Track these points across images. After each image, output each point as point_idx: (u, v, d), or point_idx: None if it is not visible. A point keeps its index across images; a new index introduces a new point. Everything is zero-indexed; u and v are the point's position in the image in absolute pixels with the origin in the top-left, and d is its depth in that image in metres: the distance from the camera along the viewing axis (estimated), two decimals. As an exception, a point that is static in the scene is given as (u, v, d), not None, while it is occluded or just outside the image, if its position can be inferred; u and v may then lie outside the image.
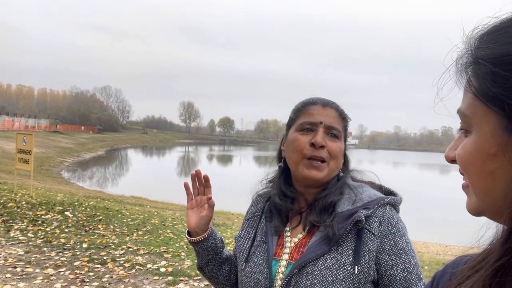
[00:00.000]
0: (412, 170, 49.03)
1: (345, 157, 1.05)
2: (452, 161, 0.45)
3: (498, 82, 0.36)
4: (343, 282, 0.84)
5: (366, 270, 0.86)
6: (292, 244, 0.95)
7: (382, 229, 0.89)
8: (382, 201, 0.91)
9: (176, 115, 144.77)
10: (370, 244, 0.87)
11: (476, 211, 0.42)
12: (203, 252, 1.11)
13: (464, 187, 0.44)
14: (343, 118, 1.03)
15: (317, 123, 0.96)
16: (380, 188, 1.02)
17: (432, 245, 10.65)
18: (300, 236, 0.96)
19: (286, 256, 0.94)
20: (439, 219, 16.25)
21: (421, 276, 0.88)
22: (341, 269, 0.86)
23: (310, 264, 0.87)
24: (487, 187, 0.39)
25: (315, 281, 0.86)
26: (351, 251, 0.87)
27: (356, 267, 0.85)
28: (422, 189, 25.75)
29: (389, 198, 0.93)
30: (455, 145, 0.45)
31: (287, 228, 0.99)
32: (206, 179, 1.12)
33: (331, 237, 0.88)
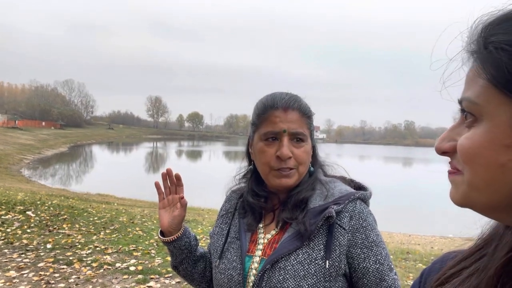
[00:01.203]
0: (378, 163, 50.65)
1: (315, 151, 1.04)
2: (444, 152, 0.43)
3: None
4: (314, 276, 0.87)
5: (337, 264, 0.88)
6: (266, 241, 0.97)
7: (352, 223, 0.90)
8: (352, 196, 0.93)
9: (144, 110, 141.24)
10: (341, 239, 0.89)
11: (464, 202, 0.41)
12: (176, 251, 1.11)
13: (452, 175, 0.42)
14: (308, 116, 1.00)
15: (280, 132, 0.95)
16: (350, 182, 1.05)
17: (396, 235, 11.09)
18: (273, 232, 0.97)
19: (259, 253, 0.95)
20: (403, 209, 16.91)
21: (392, 266, 0.92)
22: (313, 264, 0.87)
23: (283, 259, 0.89)
24: (494, 180, 0.37)
25: (287, 276, 0.87)
26: (322, 246, 0.88)
27: (327, 261, 0.87)
28: (386, 181, 26.67)
29: (360, 193, 0.95)
30: (450, 136, 0.43)
31: (261, 225, 1.00)
32: (178, 177, 1.12)
33: (303, 233, 0.89)
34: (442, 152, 0.43)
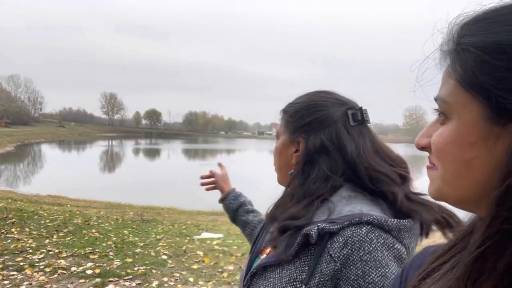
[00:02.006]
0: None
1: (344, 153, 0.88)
2: (423, 148, 0.45)
3: (486, 70, 0.36)
4: None
5: None
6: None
7: (345, 252, 0.72)
8: (357, 218, 0.74)
9: (97, 107, 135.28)
10: (324, 267, 0.74)
11: (439, 196, 0.43)
12: (225, 210, 1.46)
13: (429, 170, 0.44)
14: (284, 113, 0.97)
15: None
16: (393, 201, 0.81)
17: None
18: None
19: (264, 255, 0.92)
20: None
21: None
22: (290, 284, 0.76)
23: (270, 268, 0.82)
24: (460, 175, 0.39)
25: (266, 287, 0.81)
26: (307, 268, 0.76)
27: (304, 286, 0.75)
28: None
29: (370, 216, 0.74)
30: (428, 132, 0.44)
31: None
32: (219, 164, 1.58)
33: (286, 247, 0.79)
34: (421, 148, 0.45)
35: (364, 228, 0.73)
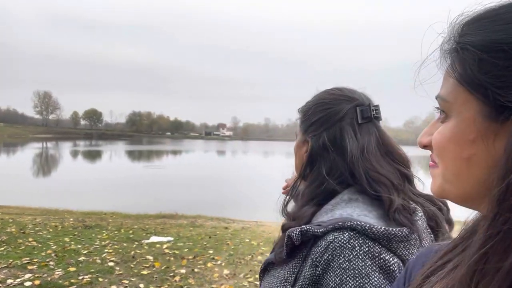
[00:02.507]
0: (280, 159, 53.29)
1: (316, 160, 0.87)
2: (425, 146, 0.45)
3: (485, 69, 0.36)
4: None
5: None
6: None
7: (326, 257, 0.70)
8: (340, 223, 0.71)
9: (30, 106, 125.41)
10: (306, 270, 0.72)
11: (441, 194, 0.44)
12: None
13: (431, 168, 0.45)
14: (299, 113, 0.96)
15: None
16: (389, 208, 0.76)
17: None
18: None
19: None
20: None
21: None
22: (282, 284, 0.76)
23: (274, 266, 0.82)
24: (460, 173, 0.40)
25: (265, 284, 0.82)
26: (297, 270, 0.75)
27: (290, 287, 0.75)
28: (289, 175, 28.19)
29: (353, 222, 0.71)
30: (430, 131, 0.45)
31: None
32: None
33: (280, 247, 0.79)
34: (423, 146, 0.45)
35: (346, 233, 0.70)
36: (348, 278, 0.67)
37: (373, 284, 0.66)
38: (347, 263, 0.68)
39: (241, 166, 35.99)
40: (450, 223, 0.83)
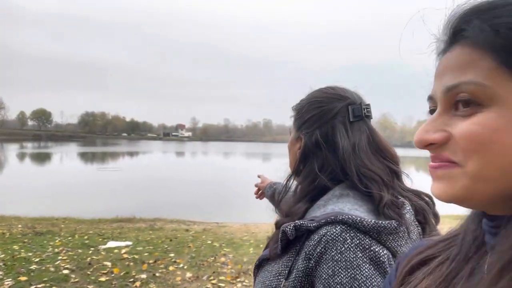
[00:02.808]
0: (241, 159, 53.38)
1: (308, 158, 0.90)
2: (430, 144, 0.40)
3: None
4: None
5: None
6: None
7: (319, 250, 0.73)
8: (332, 217, 0.74)
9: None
10: (300, 263, 0.75)
11: (462, 197, 0.38)
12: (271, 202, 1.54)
13: (444, 168, 0.39)
14: (293, 110, 0.99)
15: None
16: (379, 203, 0.80)
17: (261, 225, 11.92)
18: None
19: None
20: (267, 201, 18.21)
21: None
22: (275, 278, 0.79)
23: (268, 261, 0.84)
24: (508, 167, 0.36)
25: (260, 279, 0.84)
26: (290, 263, 0.77)
27: (284, 281, 0.77)
28: (249, 175, 28.30)
29: (344, 216, 0.74)
30: (434, 127, 0.40)
31: None
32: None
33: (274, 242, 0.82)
34: (428, 144, 0.41)
35: (338, 227, 0.73)
36: (340, 269, 0.70)
37: (364, 274, 0.69)
38: (339, 255, 0.71)
39: (201, 167, 35.59)
40: (436, 216, 0.87)
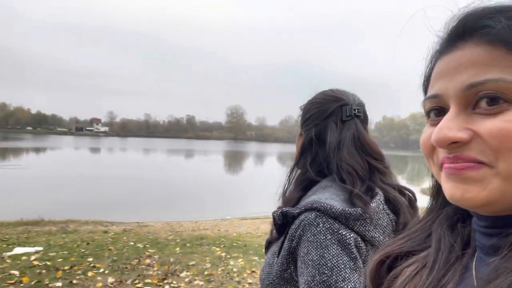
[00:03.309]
0: (162, 156, 51.74)
1: (314, 147, 1.02)
2: (452, 143, 0.38)
3: None
4: (268, 267, 0.93)
5: (281, 265, 0.89)
6: None
7: (299, 233, 0.86)
8: (309, 205, 0.87)
9: None
10: (286, 244, 0.89)
11: (493, 200, 0.37)
12: None
13: (472, 170, 0.37)
14: (301, 113, 1.08)
15: None
16: (351, 193, 0.92)
17: (185, 223, 11.71)
18: None
19: None
20: (186, 197, 17.90)
21: None
22: (272, 256, 0.94)
23: (272, 243, 0.98)
24: None
25: (266, 258, 0.97)
26: (280, 244, 0.92)
27: (276, 258, 0.91)
28: (170, 173, 27.55)
29: (318, 204, 0.86)
30: (457, 125, 0.38)
31: None
32: None
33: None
34: (451, 143, 0.38)
35: (313, 213, 0.85)
36: (312, 249, 0.82)
37: (331, 253, 0.82)
38: (312, 236, 0.83)
39: (118, 164, 33.65)
40: (415, 210, 0.98)
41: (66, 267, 4.63)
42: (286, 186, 1.05)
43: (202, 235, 7.54)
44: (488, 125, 0.36)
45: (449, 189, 0.39)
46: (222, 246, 6.12)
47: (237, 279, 4.55)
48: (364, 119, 1.03)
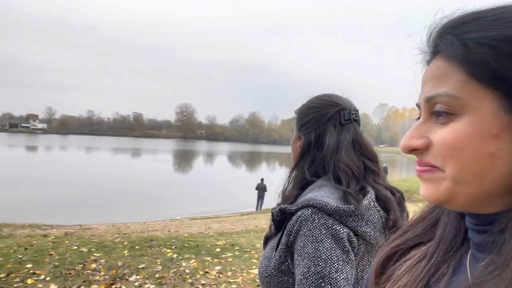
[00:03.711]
0: (106, 155, 49.46)
1: (312, 149, 1.08)
2: (413, 150, 0.43)
3: (503, 62, 0.37)
4: (267, 260, 0.99)
5: (278, 258, 0.95)
6: None
7: (296, 228, 0.92)
8: (306, 202, 0.93)
9: None
10: (284, 238, 0.94)
11: (447, 198, 0.42)
12: None
13: (428, 173, 0.42)
14: (295, 113, 1.14)
15: None
16: (344, 192, 0.98)
17: (132, 224, 11.29)
18: None
19: None
20: (133, 198, 17.27)
21: (322, 285, 0.85)
22: (270, 250, 1.00)
23: (270, 238, 1.04)
24: (483, 170, 0.39)
25: (264, 252, 1.03)
26: (278, 239, 0.98)
27: (274, 252, 0.97)
28: (115, 172, 26.41)
29: (314, 201, 0.92)
30: (417, 133, 0.43)
31: None
32: None
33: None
34: (412, 150, 0.44)
35: (310, 210, 0.92)
36: (308, 243, 0.88)
37: (325, 247, 0.88)
38: (308, 231, 0.89)
39: (57, 163, 31.61)
40: (402, 208, 1.05)
41: (2, 275, 4.25)
42: (286, 185, 1.11)
43: (151, 236, 7.31)
44: (438, 135, 0.42)
45: (421, 187, 0.45)
46: (173, 247, 5.97)
47: (190, 280, 4.47)
48: (359, 123, 1.12)
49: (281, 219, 0.98)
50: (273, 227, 1.02)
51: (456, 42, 0.40)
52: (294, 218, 0.93)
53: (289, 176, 1.12)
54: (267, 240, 1.07)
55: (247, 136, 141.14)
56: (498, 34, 0.38)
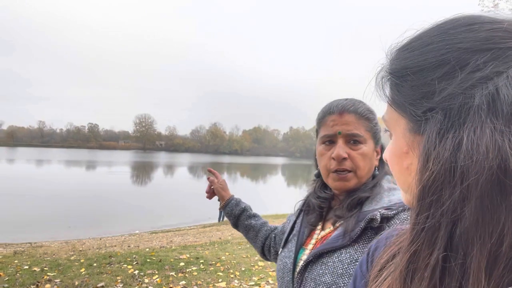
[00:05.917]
0: (58, 168, 46.91)
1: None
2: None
3: (400, 91, 0.44)
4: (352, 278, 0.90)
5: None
6: (319, 236, 1.05)
7: None
8: (402, 207, 0.90)
9: None
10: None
11: (407, 203, 0.48)
12: (227, 216, 1.53)
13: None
14: (366, 118, 1.03)
15: (335, 134, 1.01)
16: None
17: (87, 240, 10.77)
18: (328, 230, 1.04)
19: (310, 246, 1.04)
20: (88, 213, 16.47)
21: None
22: (352, 265, 0.89)
23: (327, 255, 0.94)
24: (406, 181, 0.45)
25: (326, 271, 0.92)
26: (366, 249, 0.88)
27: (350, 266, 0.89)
28: (67, 186, 25.10)
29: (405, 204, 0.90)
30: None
31: (320, 223, 1.09)
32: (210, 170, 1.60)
33: (346, 231, 0.93)
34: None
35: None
36: None
37: None
38: None
39: (3, 177, 29.52)
40: None
41: None
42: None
43: (110, 252, 7.00)
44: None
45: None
46: (134, 263, 5.76)
47: (152, 297, 4.33)
48: None
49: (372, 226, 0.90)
50: (355, 233, 0.91)
51: (385, 72, 0.47)
52: (398, 222, 0.87)
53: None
54: (320, 256, 0.96)
55: (208, 147, 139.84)
56: (397, 66, 0.44)
